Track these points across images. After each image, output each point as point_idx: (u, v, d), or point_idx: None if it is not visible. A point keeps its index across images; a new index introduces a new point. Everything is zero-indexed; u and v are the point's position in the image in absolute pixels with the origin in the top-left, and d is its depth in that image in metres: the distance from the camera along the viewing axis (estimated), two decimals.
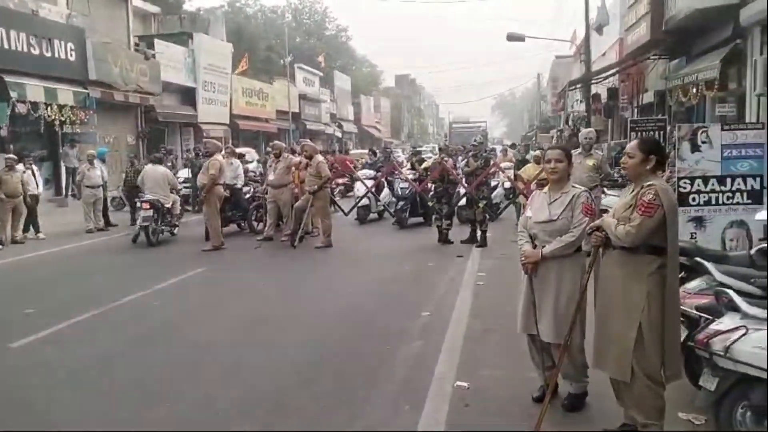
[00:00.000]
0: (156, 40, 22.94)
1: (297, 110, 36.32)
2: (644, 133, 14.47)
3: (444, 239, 10.30)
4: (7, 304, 6.89)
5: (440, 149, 11.73)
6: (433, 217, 10.80)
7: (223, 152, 11.43)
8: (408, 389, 4.20)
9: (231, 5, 46.51)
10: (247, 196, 11.95)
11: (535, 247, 3.71)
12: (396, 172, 13.40)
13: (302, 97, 37.68)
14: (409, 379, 4.38)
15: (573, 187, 3.73)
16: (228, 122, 27.78)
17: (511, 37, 22.19)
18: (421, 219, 12.81)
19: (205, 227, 10.51)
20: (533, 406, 3.73)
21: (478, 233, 10.05)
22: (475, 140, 11.16)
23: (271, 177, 10.89)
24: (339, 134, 46.62)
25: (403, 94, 73.95)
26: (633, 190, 3.34)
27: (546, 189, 3.82)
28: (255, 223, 11.83)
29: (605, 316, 3.37)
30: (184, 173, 16.29)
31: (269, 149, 13.21)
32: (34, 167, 12.44)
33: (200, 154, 12.23)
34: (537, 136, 48.63)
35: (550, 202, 3.72)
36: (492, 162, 11.17)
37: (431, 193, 12.46)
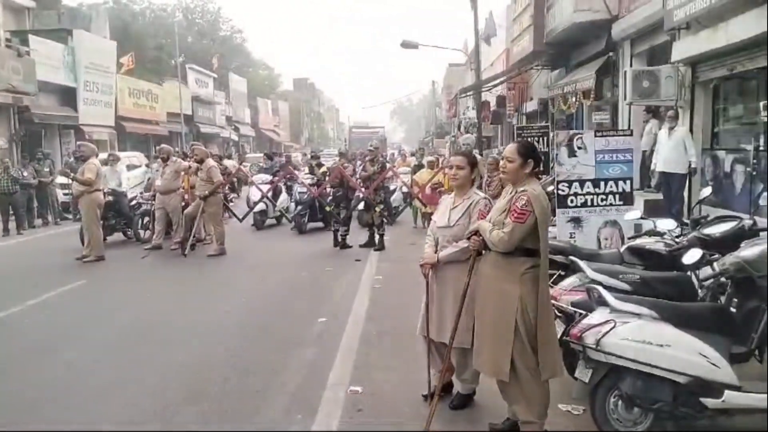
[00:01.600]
0: (31, 36, 21.19)
1: (190, 112, 34.99)
2: (529, 139, 15.32)
3: (342, 244, 10.29)
4: None
5: (340, 154, 11.72)
6: (332, 222, 10.76)
7: (99, 156, 10.71)
8: (301, 398, 4.13)
9: (116, 1, 43.93)
10: (133, 203, 11.31)
11: (437, 250, 3.79)
12: (293, 176, 13.23)
13: (195, 98, 36.35)
14: (302, 388, 4.30)
15: (475, 193, 3.82)
16: (113, 124, 26.22)
17: (406, 45, 22.62)
18: (320, 224, 12.73)
19: (80, 235, 9.82)
20: (425, 406, 3.78)
21: (376, 237, 10.15)
22: (371, 145, 11.26)
23: (158, 182, 10.36)
24: (235, 137, 45.43)
25: (302, 98, 73.37)
26: (509, 194, 3.46)
27: (452, 194, 3.91)
28: (141, 232, 11.22)
29: (482, 317, 3.46)
30: (63, 179, 15.14)
31: (156, 153, 12.60)
32: None
33: (78, 158, 11.41)
34: (433, 141, 50.12)
35: (452, 208, 3.81)
36: (388, 167, 11.31)
37: (329, 197, 12.44)
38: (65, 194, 15.15)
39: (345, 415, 3.79)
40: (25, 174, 13.92)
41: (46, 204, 14.68)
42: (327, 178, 12.80)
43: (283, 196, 13.78)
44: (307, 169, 13.91)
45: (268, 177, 14.35)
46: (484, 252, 3.45)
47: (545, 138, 15.31)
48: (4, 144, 19.39)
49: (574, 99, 14.29)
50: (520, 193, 3.30)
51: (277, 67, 73.86)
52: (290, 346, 5.23)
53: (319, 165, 13.41)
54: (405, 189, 17.10)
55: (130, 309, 6.70)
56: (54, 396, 4.28)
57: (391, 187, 13.88)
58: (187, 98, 34.44)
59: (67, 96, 23.20)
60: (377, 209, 10.12)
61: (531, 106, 20.70)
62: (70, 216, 15.06)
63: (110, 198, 10.41)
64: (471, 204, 3.75)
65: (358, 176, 11.25)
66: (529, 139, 15.46)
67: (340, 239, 10.32)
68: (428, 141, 57.24)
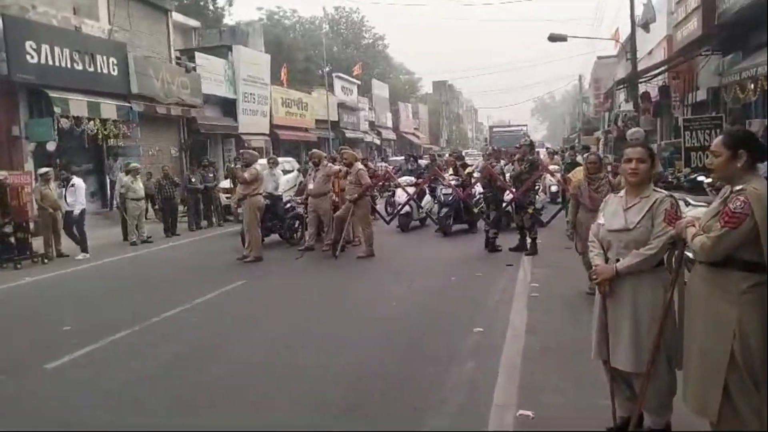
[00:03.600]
0: (196, 53, 23.19)
1: (336, 119, 36.34)
2: (699, 132, 13.79)
3: (491, 246, 9.86)
4: (45, 321, 6.77)
5: (490, 153, 11.24)
6: (483, 224, 10.34)
7: (263, 161, 11.30)
8: (465, 419, 3.80)
9: (269, 17, 47.02)
10: (287, 206, 11.75)
11: (607, 259, 3.27)
12: (439, 177, 12.98)
13: (341, 105, 37.71)
14: (465, 407, 3.97)
15: (655, 191, 3.25)
16: (268, 132, 27.89)
17: (553, 38, 21.49)
18: (465, 226, 12.39)
19: (241, 236, 10.36)
20: None
21: (528, 240, 9.58)
22: (520, 142, 10.68)
23: (310, 186, 10.66)
24: (378, 142, 46.48)
25: (441, 100, 73.46)
26: (723, 195, 2.87)
27: (622, 193, 3.38)
28: (293, 234, 11.65)
29: (689, 341, 2.90)
30: (225, 184, 16.29)
31: (308, 158, 13.04)
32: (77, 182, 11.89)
33: (240, 165, 12.09)
34: (580, 138, 47.60)
35: (626, 208, 3.25)
36: (539, 166, 10.65)
37: (476, 198, 12.02)
38: (227, 198, 16.26)
39: None
40: (193, 179, 15.18)
41: (210, 207, 15.86)
42: (472, 179, 12.44)
43: (427, 197, 13.62)
44: (451, 170, 13.58)
45: (413, 179, 14.29)
46: (694, 263, 2.89)
47: (718, 130, 13.69)
48: (175, 153, 21.38)
49: (753, 86, 12.54)
50: (736, 193, 2.71)
51: (417, 71, 74.71)
52: (446, 357, 4.93)
53: (464, 165, 13.02)
54: (554, 188, 16.25)
55: (287, 311, 6.82)
56: (213, 400, 4.33)
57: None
58: (334, 105, 35.80)
59: (228, 107, 25.06)
60: (529, 210, 9.55)
61: (698, 96, 18.67)
62: (232, 218, 16.12)
63: (267, 201, 10.90)
64: (654, 203, 3.16)
65: (509, 176, 10.76)
66: (699, 132, 13.98)
67: (491, 241, 9.92)
68: (574, 138, 54.57)
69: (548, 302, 6.43)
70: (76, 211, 11.43)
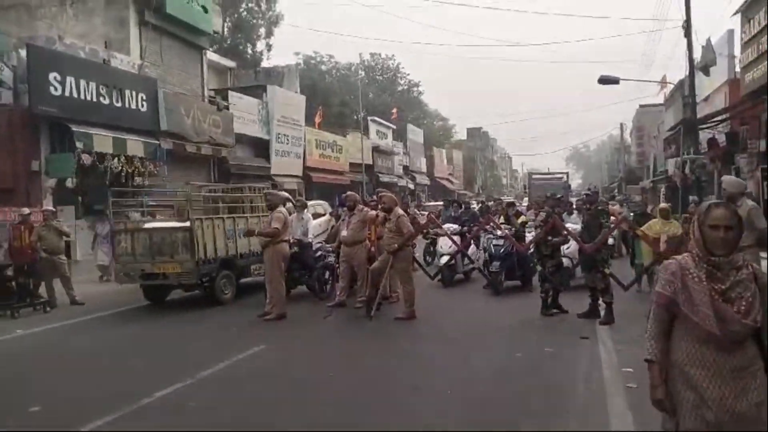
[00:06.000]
0: (230, 92, 22.58)
1: (370, 162, 35.49)
2: None
3: (551, 304, 8.36)
4: (12, 395, 5.45)
5: (554, 200, 9.74)
6: (545, 283, 8.79)
7: (288, 204, 10.06)
8: None
9: (306, 62, 47.01)
10: (318, 254, 10.41)
11: None
12: (491, 226, 11.46)
13: (375, 149, 36.95)
14: None
15: None
16: (301, 174, 27.01)
17: (604, 80, 20.19)
18: (518, 282, 10.85)
19: (265, 288, 9.03)
20: None
21: (601, 306, 8.02)
22: (589, 188, 9.24)
23: (344, 233, 9.31)
24: (412, 186, 45.47)
25: (475, 147, 72.64)
26: None
27: None
28: (323, 286, 10.31)
29: None
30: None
31: (339, 203, 11.77)
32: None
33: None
34: (623, 187, 45.83)
35: None
36: (613, 218, 9.14)
37: (530, 251, 10.54)
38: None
39: None
40: None
41: None
42: (526, 231, 11.00)
43: (472, 248, 12.15)
44: (502, 219, 12.11)
45: (457, 227, 12.84)
46: None
47: None
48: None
49: None
50: None
51: (451, 117, 74.25)
52: None
53: (518, 214, 11.55)
54: (610, 241, 14.64)
55: (311, 395, 5.33)
56: None
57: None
58: (369, 149, 35.03)
59: (261, 147, 24.27)
60: (605, 269, 8.02)
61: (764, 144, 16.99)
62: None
63: (295, 249, 9.60)
64: None
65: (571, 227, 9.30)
66: None
67: (549, 300, 8.44)
68: (614, 187, 52.64)
69: None
70: None
